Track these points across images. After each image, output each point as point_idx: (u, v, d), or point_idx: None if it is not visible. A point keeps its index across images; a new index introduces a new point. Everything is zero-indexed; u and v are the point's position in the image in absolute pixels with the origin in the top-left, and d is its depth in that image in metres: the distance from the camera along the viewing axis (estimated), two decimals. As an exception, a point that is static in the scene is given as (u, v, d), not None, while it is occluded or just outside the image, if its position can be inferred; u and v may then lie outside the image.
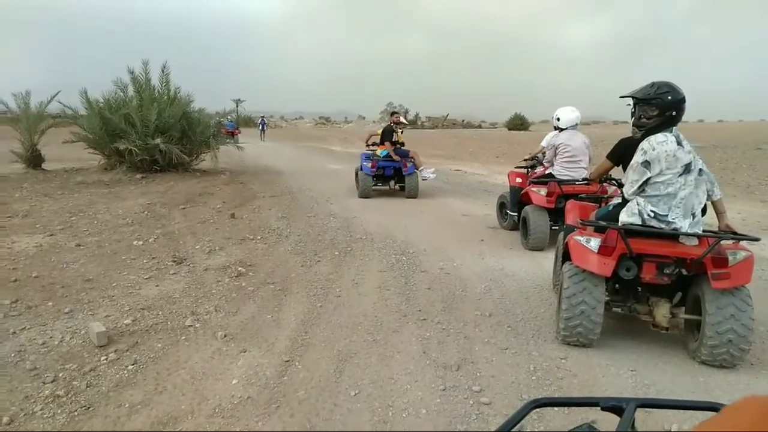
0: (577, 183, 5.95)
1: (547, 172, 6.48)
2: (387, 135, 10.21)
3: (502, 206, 7.51)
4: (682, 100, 3.33)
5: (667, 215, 3.32)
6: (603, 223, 3.53)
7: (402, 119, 10.92)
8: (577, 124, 6.38)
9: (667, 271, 3.37)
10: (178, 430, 2.63)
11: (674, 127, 3.38)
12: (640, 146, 3.39)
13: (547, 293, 4.63)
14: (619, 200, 3.76)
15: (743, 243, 3.38)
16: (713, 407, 0.84)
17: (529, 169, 7.20)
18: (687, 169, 3.29)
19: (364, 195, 10.05)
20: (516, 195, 6.82)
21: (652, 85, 3.39)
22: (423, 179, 10.47)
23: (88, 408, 2.81)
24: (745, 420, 0.42)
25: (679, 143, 3.31)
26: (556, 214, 6.08)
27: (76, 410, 2.78)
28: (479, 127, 79.80)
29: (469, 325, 3.93)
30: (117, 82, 13.05)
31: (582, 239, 3.45)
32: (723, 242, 3.26)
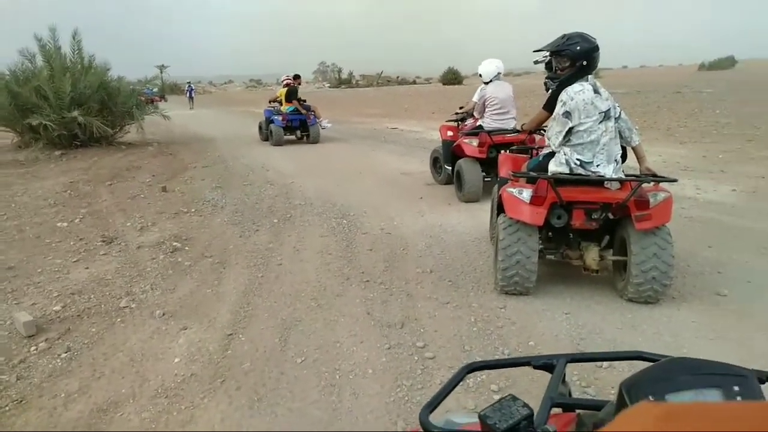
0: (507, 133, 6.14)
1: (477, 124, 6.64)
2: (293, 94, 12.51)
3: (435, 161, 7.65)
4: (594, 49, 3.42)
5: (592, 162, 3.43)
6: (533, 174, 3.62)
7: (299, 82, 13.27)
8: (499, 74, 6.56)
9: (595, 216, 3.52)
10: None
11: (590, 76, 3.50)
12: (559, 98, 3.49)
13: (484, 245, 4.76)
14: (549, 150, 3.81)
15: (662, 184, 3.53)
16: (639, 356, 0.88)
17: (460, 122, 7.34)
18: (606, 115, 3.40)
19: (278, 143, 12.29)
20: (448, 148, 7.00)
21: (563, 36, 3.50)
22: (322, 128, 12.98)
23: (20, 401, 2.68)
24: (637, 427, 0.43)
25: (596, 91, 3.42)
26: (489, 165, 6.32)
27: (7, 405, 2.65)
28: (414, 83, 79.49)
29: (411, 282, 4.00)
30: (23, 52, 12.05)
31: (514, 191, 3.55)
32: (644, 185, 3.41)
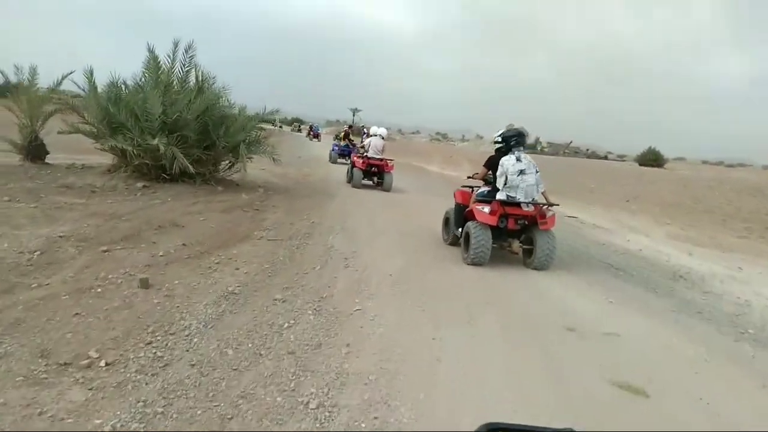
0: (375, 159, 14.27)
1: (364, 154, 14.44)
2: (348, 136, 23.38)
3: (336, 160, 21.57)
4: (516, 135, 6.72)
5: (516, 197, 6.42)
6: (489, 199, 6.52)
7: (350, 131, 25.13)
8: (381, 135, 14.80)
9: (520, 223, 6.57)
10: None
11: (518, 150, 6.57)
12: (500, 162, 6.53)
13: None
14: (488, 188, 6.96)
15: (552, 208, 6.59)
16: None
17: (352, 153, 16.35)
18: (522, 173, 6.40)
19: (333, 162, 22.34)
20: (352, 167, 14.86)
21: (507, 130, 6.87)
22: None
23: None
24: None
25: (518, 159, 6.46)
26: (367, 173, 14.46)
27: None
28: (605, 158, 71.64)
29: None
30: (145, 63, 10.40)
31: (480, 207, 6.44)
32: (544, 208, 6.52)
